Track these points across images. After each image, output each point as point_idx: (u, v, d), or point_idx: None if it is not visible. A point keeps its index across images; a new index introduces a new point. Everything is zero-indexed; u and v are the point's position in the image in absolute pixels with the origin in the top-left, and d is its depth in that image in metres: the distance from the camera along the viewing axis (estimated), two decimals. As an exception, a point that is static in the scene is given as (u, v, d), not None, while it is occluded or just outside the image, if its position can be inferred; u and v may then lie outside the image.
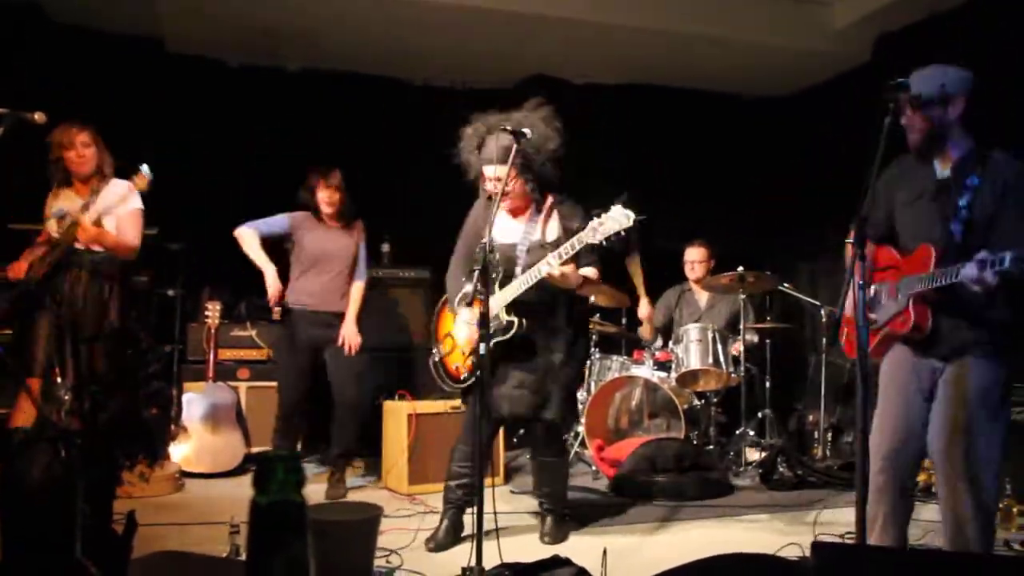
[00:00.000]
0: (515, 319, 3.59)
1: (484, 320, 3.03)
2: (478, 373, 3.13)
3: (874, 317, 2.95)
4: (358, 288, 4.92)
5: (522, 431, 5.54)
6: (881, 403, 3.00)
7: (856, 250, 2.60)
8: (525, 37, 6.29)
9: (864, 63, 6.43)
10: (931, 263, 2.83)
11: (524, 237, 3.74)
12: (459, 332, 3.83)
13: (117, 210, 4.20)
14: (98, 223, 4.11)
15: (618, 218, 3.33)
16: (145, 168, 4.12)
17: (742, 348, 5.55)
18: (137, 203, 4.25)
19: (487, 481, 3.29)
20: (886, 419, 2.97)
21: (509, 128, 3.34)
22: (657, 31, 6.17)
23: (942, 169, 2.96)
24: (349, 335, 4.80)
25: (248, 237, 4.80)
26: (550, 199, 3.79)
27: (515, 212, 3.80)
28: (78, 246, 4.09)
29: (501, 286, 3.63)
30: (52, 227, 4.18)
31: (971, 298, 2.72)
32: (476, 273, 3.10)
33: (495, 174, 3.60)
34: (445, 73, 6.91)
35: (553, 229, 3.76)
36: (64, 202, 4.21)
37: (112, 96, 5.73)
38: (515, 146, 3.34)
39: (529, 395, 3.69)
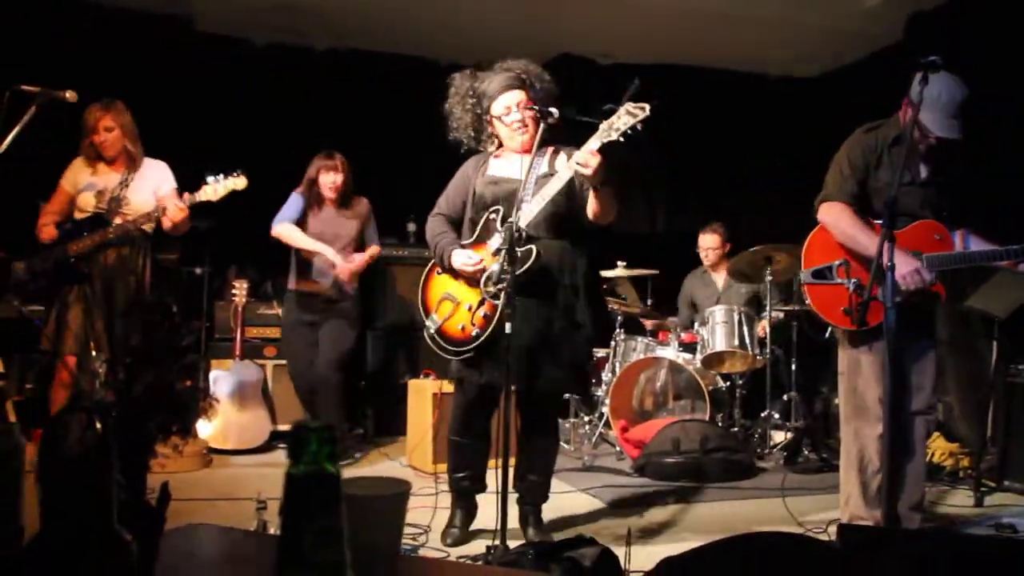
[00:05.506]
0: (533, 247, 3.15)
1: (510, 301, 2.88)
2: (491, 326, 3.16)
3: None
4: (374, 248, 5.09)
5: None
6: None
7: (885, 231, 2.63)
8: (551, 16, 6.24)
9: (896, 43, 6.31)
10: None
11: (532, 170, 3.27)
12: (458, 288, 3.35)
13: (161, 189, 4.37)
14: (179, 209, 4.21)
15: (632, 111, 3.07)
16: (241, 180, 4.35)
17: (768, 328, 5.49)
18: (174, 181, 4.43)
19: (493, 462, 3.25)
20: None
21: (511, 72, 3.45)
22: (683, 9, 6.10)
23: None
24: (345, 264, 4.85)
25: (289, 230, 4.90)
26: (550, 148, 3.42)
27: (522, 149, 3.39)
28: (117, 220, 4.19)
29: (503, 224, 3.21)
30: (87, 200, 4.25)
31: None
32: (502, 253, 2.94)
33: (515, 99, 3.37)
34: (471, 53, 6.87)
35: (562, 163, 3.30)
36: (99, 177, 4.30)
37: (141, 74, 5.76)
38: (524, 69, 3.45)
39: (549, 364, 3.24)
